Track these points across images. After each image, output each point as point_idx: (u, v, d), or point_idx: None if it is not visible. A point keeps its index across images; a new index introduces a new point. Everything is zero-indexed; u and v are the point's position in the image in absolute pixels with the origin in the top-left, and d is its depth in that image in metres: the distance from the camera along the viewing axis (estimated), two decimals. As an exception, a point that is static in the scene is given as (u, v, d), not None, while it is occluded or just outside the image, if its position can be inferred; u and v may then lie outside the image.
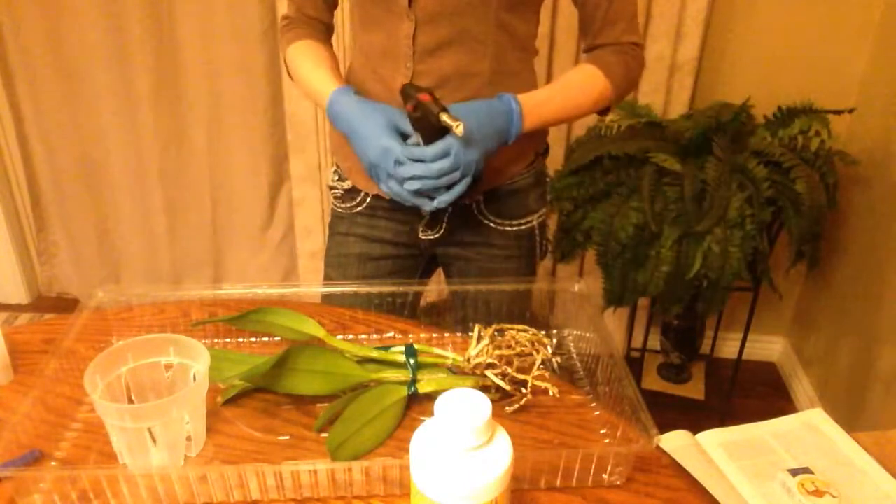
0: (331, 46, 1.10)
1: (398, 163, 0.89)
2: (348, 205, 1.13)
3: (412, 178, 0.89)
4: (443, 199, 0.91)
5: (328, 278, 1.16)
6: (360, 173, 1.09)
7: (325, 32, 1.11)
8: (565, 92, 1.00)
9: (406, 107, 0.89)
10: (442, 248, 1.13)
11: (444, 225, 1.09)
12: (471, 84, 0.98)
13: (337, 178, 1.15)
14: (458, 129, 0.83)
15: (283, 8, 1.94)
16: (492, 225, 1.09)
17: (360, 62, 1.05)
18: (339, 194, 1.15)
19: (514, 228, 1.10)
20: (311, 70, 1.03)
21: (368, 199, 1.11)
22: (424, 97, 0.87)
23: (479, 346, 0.79)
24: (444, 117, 0.84)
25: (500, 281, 1.04)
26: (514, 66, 1.01)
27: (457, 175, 0.89)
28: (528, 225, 1.12)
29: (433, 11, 0.94)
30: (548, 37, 1.84)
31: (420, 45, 0.96)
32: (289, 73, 1.10)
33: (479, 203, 1.08)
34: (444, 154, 0.88)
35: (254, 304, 0.91)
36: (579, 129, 1.95)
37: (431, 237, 1.11)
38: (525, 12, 0.99)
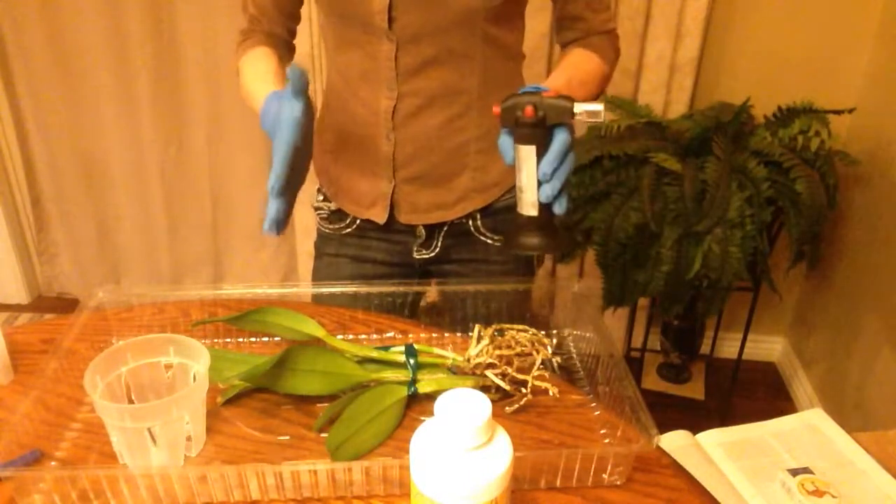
0: (280, 60, 0.98)
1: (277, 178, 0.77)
2: (336, 226, 1.09)
3: (552, 182, 0.77)
4: (562, 202, 0.79)
5: (318, 300, 1.09)
6: (346, 197, 1.06)
7: (281, 46, 1.01)
8: (579, 75, 0.95)
9: (524, 112, 0.76)
10: (436, 265, 1.10)
11: (439, 243, 1.07)
12: (460, 101, 0.95)
13: (322, 198, 1.10)
14: (602, 110, 0.75)
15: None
16: (489, 242, 1.06)
17: (339, 84, 0.99)
18: (325, 215, 1.10)
19: None
20: (252, 78, 0.93)
21: (358, 221, 1.07)
22: (549, 94, 0.76)
23: (479, 346, 0.79)
24: (579, 106, 0.75)
25: (500, 281, 1.04)
26: (503, 77, 0.98)
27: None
28: None
29: (415, 31, 0.89)
30: (547, 37, 1.84)
31: (403, 66, 0.91)
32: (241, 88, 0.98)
33: (476, 220, 1.05)
34: (568, 146, 0.77)
35: (254, 304, 0.91)
36: (579, 129, 1.95)
37: (426, 256, 1.08)
38: (510, 21, 0.96)
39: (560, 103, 0.76)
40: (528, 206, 0.81)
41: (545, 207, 0.80)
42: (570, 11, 0.98)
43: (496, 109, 0.79)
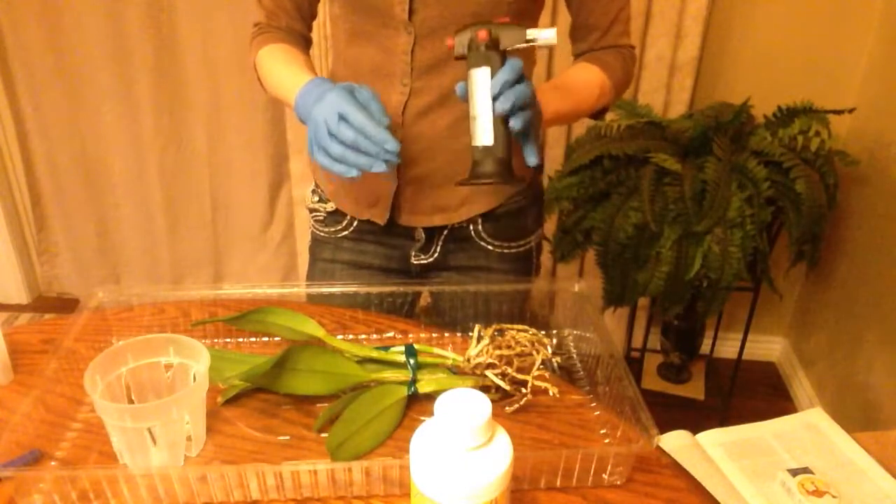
0: (309, 57, 1.01)
1: (342, 118, 0.79)
2: (332, 229, 1.07)
3: (506, 96, 0.76)
4: (519, 119, 0.78)
5: (317, 301, 1.08)
6: (346, 196, 1.04)
7: (301, 43, 1.02)
8: (570, 85, 0.95)
9: (477, 36, 0.77)
10: (434, 272, 1.09)
11: (438, 248, 1.06)
12: None
13: (317, 199, 1.08)
14: (554, 33, 0.76)
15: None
16: (490, 248, 1.05)
17: (346, 77, 0.97)
18: (320, 217, 1.08)
19: (513, 251, 1.06)
20: (283, 67, 0.94)
21: (355, 223, 1.05)
22: (501, 19, 0.78)
23: (479, 346, 0.79)
24: (532, 32, 0.77)
25: (500, 281, 1.04)
26: None
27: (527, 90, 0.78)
28: (527, 246, 1.08)
29: (435, 25, 0.88)
30: (548, 37, 1.84)
31: (418, 61, 0.90)
32: (259, 81, 1.01)
33: (477, 224, 1.03)
34: (517, 71, 0.77)
35: (254, 304, 0.91)
36: (579, 128, 1.95)
37: (424, 261, 1.07)
38: (530, 20, 0.95)
39: (513, 27, 0.78)
40: (482, 133, 0.80)
41: (500, 137, 0.80)
42: (586, 20, 0.97)
43: (450, 41, 0.80)
